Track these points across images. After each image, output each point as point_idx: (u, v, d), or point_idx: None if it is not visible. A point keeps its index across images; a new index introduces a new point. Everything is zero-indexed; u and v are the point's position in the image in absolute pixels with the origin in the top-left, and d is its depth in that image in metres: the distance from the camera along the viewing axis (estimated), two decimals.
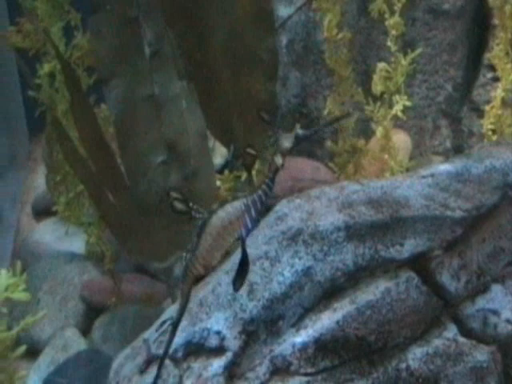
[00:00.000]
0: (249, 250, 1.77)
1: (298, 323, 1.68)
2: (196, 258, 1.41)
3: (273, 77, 2.40)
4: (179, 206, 1.39)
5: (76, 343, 2.32)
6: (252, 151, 2.40)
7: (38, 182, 3.20)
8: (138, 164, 2.28)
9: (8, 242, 2.85)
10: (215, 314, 1.71)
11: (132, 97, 2.32)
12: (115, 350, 2.25)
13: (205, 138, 2.33)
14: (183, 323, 1.74)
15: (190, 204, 1.41)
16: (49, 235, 2.79)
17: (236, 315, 1.69)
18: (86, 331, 2.41)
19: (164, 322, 1.65)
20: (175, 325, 1.52)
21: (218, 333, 1.68)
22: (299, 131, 1.40)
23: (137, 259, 2.23)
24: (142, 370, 1.72)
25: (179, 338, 1.71)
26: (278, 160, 1.41)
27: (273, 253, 1.75)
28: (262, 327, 1.67)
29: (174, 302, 2.08)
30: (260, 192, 1.40)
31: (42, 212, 3.01)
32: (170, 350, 1.70)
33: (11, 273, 1.53)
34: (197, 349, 1.69)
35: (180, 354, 1.70)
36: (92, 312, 2.43)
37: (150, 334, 1.81)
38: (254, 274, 1.74)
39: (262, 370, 1.63)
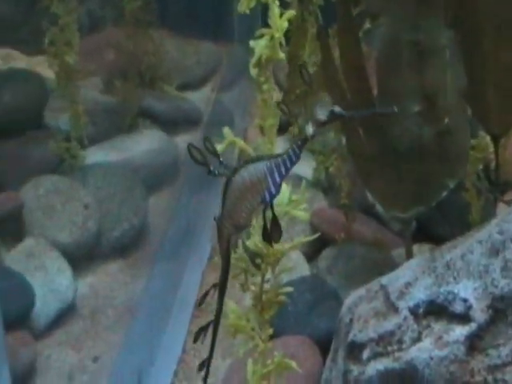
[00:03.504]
0: (507, 226, 1.73)
1: None
2: (223, 216, 1.37)
3: None
4: (198, 156, 1.35)
5: (300, 267, 2.34)
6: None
7: None
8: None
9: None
10: (464, 280, 1.67)
11: (397, 38, 2.27)
12: (339, 283, 2.27)
13: (464, 97, 2.26)
14: (428, 281, 1.72)
15: (211, 157, 1.37)
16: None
17: (486, 288, 1.64)
18: (310, 258, 2.42)
19: None
20: (221, 290, 1.45)
21: (465, 300, 1.64)
22: (336, 108, 1.31)
23: (378, 202, 2.20)
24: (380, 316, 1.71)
25: (422, 294, 1.69)
26: (309, 129, 1.32)
27: None
28: (511, 308, 1.62)
29: (407, 256, 2.05)
30: (285, 157, 1.33)
31: None
32: (412, 304, 1.68)
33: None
34: (439, 310, 1.66)
35: (421, 311, 1.68)
36: (319, 241, 2.41)
37: (389, 280, 1.80)
38: (509, 251, 1.68)
39: (505, 351, 1.58)
